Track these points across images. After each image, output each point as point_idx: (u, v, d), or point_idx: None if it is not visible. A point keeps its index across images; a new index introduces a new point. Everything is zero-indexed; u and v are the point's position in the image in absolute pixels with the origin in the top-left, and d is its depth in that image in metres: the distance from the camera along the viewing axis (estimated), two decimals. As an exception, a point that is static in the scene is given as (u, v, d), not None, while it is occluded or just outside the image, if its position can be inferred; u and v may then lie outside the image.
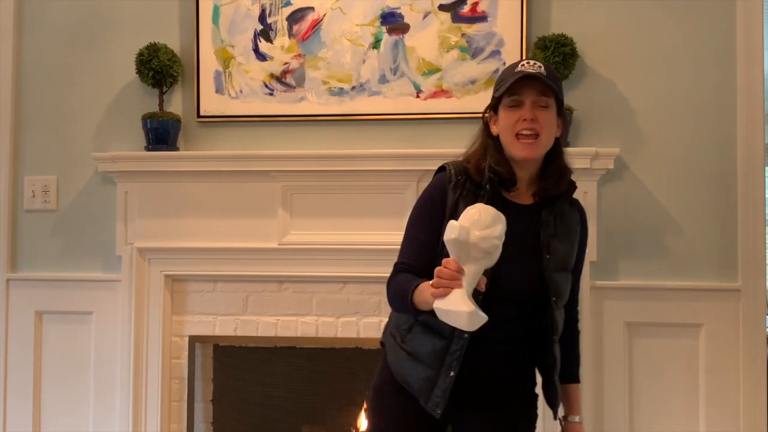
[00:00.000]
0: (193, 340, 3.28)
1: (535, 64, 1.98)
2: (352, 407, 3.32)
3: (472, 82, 3.14)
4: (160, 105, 3.24)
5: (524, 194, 2.03)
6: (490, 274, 1.82)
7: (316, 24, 3.23)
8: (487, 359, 2.01)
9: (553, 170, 2.02)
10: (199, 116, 3.28)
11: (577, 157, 2.97)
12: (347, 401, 3.33)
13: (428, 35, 3.16)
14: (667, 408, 3.05)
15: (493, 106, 2.03)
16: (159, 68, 3.16)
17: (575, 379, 2.16)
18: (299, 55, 3.24)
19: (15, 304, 3.38)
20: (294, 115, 3.24)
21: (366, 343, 3.20)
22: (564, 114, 2.05)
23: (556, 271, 1.98)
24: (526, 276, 1.97)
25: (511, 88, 1.95)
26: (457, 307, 1.72)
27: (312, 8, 3.23)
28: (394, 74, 3.18)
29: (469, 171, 2.01)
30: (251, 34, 3.26)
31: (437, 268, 1.74)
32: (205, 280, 3.27)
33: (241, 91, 3.27)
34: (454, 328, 1.88)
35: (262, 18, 3.26)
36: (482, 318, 1.74)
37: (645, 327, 3.07)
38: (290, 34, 3.25)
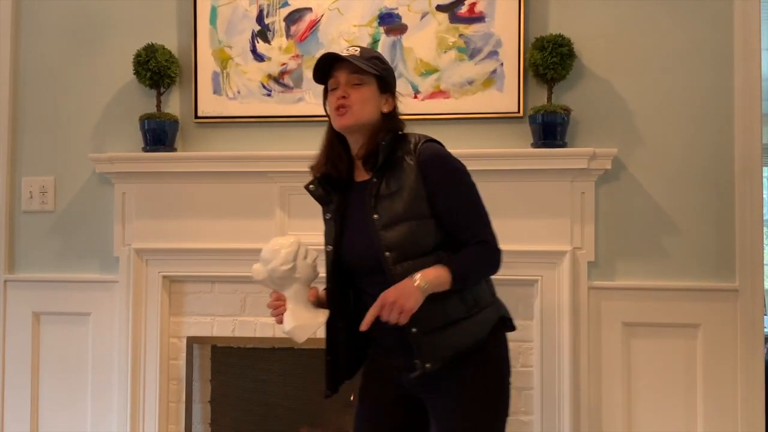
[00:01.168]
0: (191, 341, 3.28)
1: (352, 48, 2.14)
2: (350, 408, 3.31)
3: (470, 82, 3.14)
4: (158, 106, 3.23)
5: (363, 171, 2.15)
6: (331, 258, 2.13)
7: (314, 25, 3.23)
8: (394, 339, 2.07)
9: (371, 137, 2.10)
10: (196, 117, 3.28)
11: (574, 157, 2.99)
12: (345, 402, 3.32)
13: (426, 36, 3.16)
14: (665, 408, 3.05)
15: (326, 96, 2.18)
16: (156, 69, 3.16)
17: (448, 262, 2.01)
18: (297, 56, 3.24)
19: (12, 306, 3.38)
20: (292, 116, 3.24)
21: (364, 344, 3.19)
22: (392, 90, 2.16)
23: (386, 228, 2.01)
24: (365, 243, 2.06)
25: (328, 73, 2.12)
26: (284, 328, 2.08)
27: (310, 9, 3.23)
28: (392, 75, 3.18)
29: (320, 177, 2.18)
30: (249, 35, 3.26)
31: (267, 303, 2.14)
32: (202, 281, 3.27)
33: (238, 92, 3.27)
34: (331, 319, 2.15)
35: (259, 19, 3.26)
36: (310, 327, 2.07)
37: (643, 327, 3.07)
38: (288, 35, 3.25)
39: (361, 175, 2.15)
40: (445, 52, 3.15)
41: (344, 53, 2.11)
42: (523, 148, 3.08)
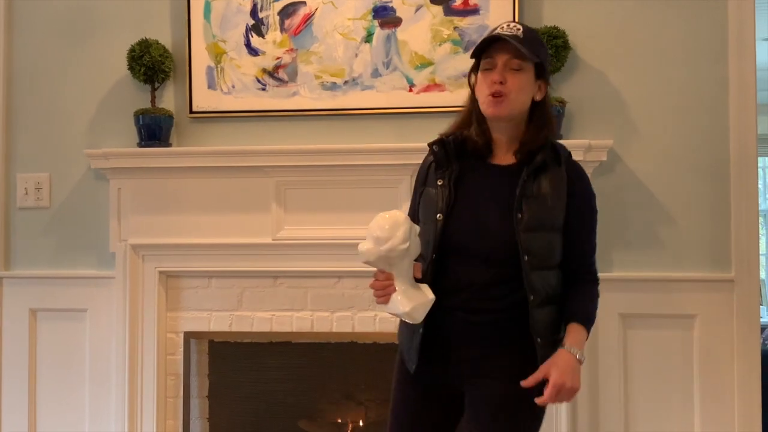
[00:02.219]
0: (188, 336, 3.28)
1: (514, 26, 2.03)
2: (349, 402, 3.33)
3: (465, 75, 3.11)
4: (152, 101, 3.23)
5: (505, 155, 2.08)
6: (441, 228, 1.99)
7: (308, 18, 3.22)
8: (467, 328, 2.03)
9: (533, 127, 2.05)
10: (191, 112, 3.27)
11: (570, 149, 2.98)
12: (343, 396, 3.33)
13: (420, 29, 3.16)
14: (662, 399, 3.06)
15: (475, 69, 2.10)
16: (151, 64, 3.15)
17: (576, 318, 2.03)
18: (291, 50, 3.23)
19: (9, 303, 3.37)
20: (287, 110, 3.24)
21: (361, 338, 3.20)
22: (546, 76, 2.08)
23: (528, 231, 1.98)
24: (495, 231, 2.00)
25: (486, 50, 2.02)
26: (397, 310, 1.96)
27: (304, 2, 3.22)
28: (387, 68, 3.18)
29: (445, 139, 2.10)
30: (243, 29, 3.25)
31: (371, 283, 2.00)
32: (199, 276, 3.26)
33: (233, 87, 3.26)
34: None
35: (253, 13, 3.25)
36: (425, 306, 1.96)
37: (639, 318, 3.07)
38: (282, 29, 3.24)
39: (501, 158, 2.08)
40: (439, 44, 3.15)
41: (506, 31, 2.00)
42: (518, 141, 3.08)
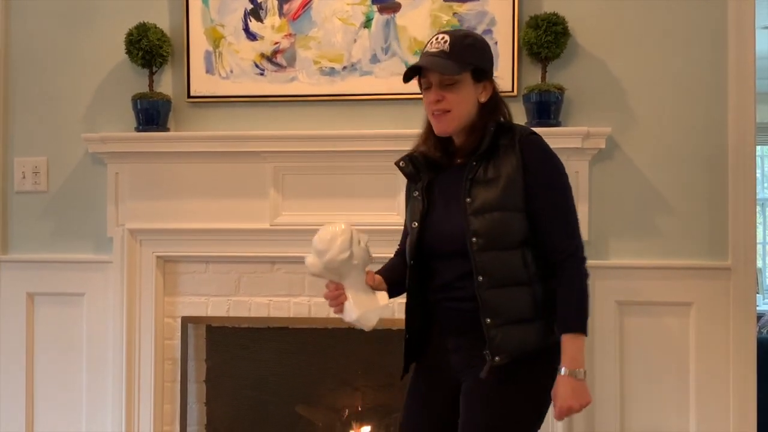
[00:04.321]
0: (186, 321, 3.28)
1: (441, 39, 2.06)
2: (346, 387, 3.34)
3: (464, 61, 3.12)
4: (150, 85, 3.22)
5: (462, 155, 2.14)
6: (416, 235, 2.09)
7: (307, 3, 3.21)
8: (451, 316, 2.09)
9: (476, 129, 2.09)
10: (189, 97, 3.26)
11: (568, 136, 2.98)
12: (340, 381, 3.34)
13: (420, 14, 3.14)
14: (658, 385, 3.08)
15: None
16: (148, 48, 3.14)
17: (561, 328, 2.03)
18: (290, 35, 3.22)
19: (6, 286, 3.38)
20: (285, 96, 3.23)
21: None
22: (487, 75, 2.10)
23: (476, 213, 2.01)
24: (452, 225, 2.05)
25: (419, 71, 2.09)
26: (349, 317, 2.07)
27: (302, -13, 3.21)
28: (386, 54, 3.16)
29: (412, 155, 2.21)
30: (241, 14, 3.24)
31: (324, 294, 2.12)
32: (197, 261, 3.27)
33: (231, 71, 3.25)
34: (408, 298, 2.17)
35: (252, -3, 3.24)
36: (376, 312, 2.08)
37: (636, 306, 3.08)
38: (281, 14, 3.22)
39: (461, 158, 2.13)
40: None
41: (433, 47, 2.05)
42: (517, 128, 3.07)
